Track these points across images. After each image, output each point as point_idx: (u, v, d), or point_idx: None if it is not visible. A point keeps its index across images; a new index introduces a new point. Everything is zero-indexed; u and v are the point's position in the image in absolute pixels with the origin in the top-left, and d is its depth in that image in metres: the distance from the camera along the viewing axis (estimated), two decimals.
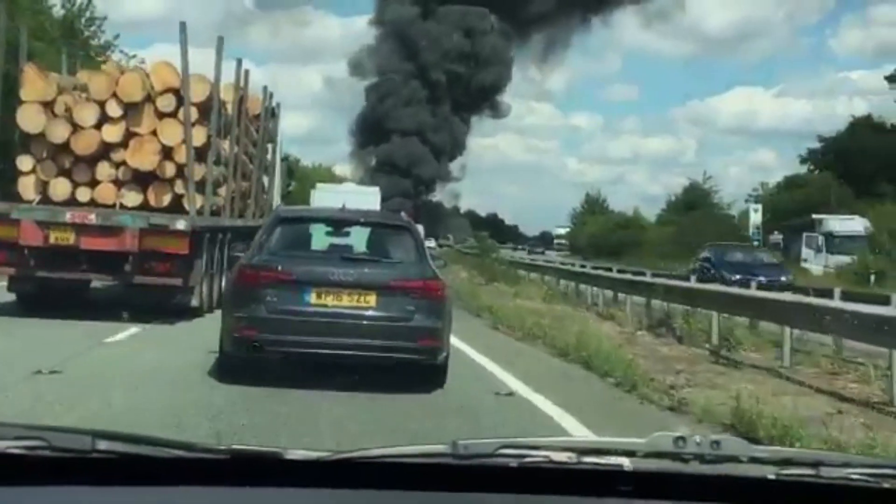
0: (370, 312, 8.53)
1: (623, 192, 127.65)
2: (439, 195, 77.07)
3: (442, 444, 1.69)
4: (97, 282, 14.07)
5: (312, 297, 8.50)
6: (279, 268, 8.60)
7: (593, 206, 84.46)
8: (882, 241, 33.98)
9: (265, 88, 17.11)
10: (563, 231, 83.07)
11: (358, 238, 9.89)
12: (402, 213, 12.47)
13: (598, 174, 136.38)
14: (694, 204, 66.10)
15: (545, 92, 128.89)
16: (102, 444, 1.57)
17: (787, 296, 13.13)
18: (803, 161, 67.17)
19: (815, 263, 40.59)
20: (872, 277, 29.40)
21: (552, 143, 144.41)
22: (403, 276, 8.74)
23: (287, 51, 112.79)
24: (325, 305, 8.48)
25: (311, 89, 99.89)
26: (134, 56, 31.90)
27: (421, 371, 8.61)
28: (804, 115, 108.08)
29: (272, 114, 17.98)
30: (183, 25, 13.03)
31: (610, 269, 24.51)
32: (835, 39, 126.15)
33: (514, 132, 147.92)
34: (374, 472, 1.68)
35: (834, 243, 41.39)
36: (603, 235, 65.64)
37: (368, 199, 26.40)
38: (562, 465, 1.70)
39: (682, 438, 1.69)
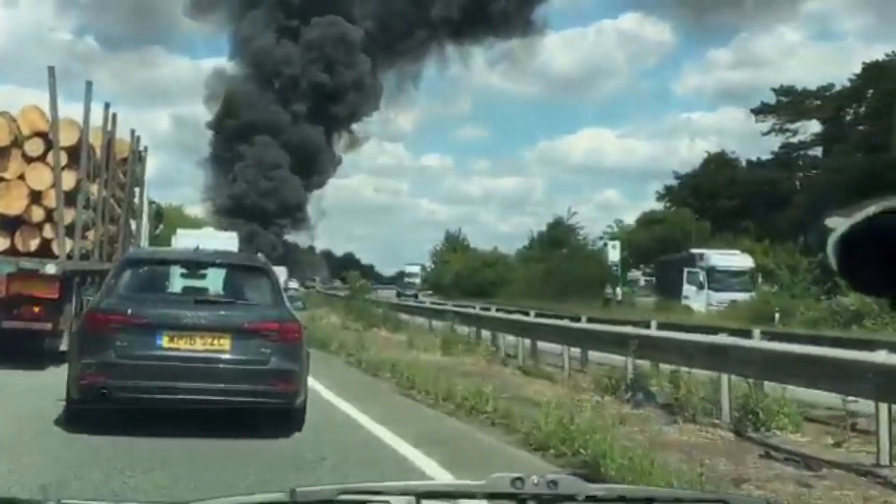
0: (225, 356, 8.33)
1: (474, 232, 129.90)
2: (293, 235, 76.42)
3: (280, 492, 1.65)
4: None
5: (165, 341, 8.29)
6: (129, 311, 8.36)
7: (453, 243, 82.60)
8: (782, 276, 32.64)
9: (133, 132, 17.26)
10: (415, 269, 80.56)
11: (213, 280, 9.74)
12: (260, 255, 12.67)
13: (449, 214, 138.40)
14: (559, 241, 66.84)
15: (397, 132, 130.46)
16: None
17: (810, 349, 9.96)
18: (660, 197, 68.45)
19: (697, 301, 38.93)
20: (777, 315, 27.94)
21: (403, 183, 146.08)
22: (259, 318, 8.56)
23: (134, 92, 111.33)
24: (178, 349, 8.28)
25: (158, 130, 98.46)
26: None
27: (278, 416, 8.45)
28: (648, 154, 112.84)
29: (139, 157, 18.10)
30: (52, 70, 13.19)
31: (523, 313, 21.39)
32: (676, 82, 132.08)
33: (366, 172, 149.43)
34: None
35: (716, 279, 39.95)
36: (468, 274, 65.60)
37: (227, 242, 26.71)
38: None
39: (521, 479, 1.69)
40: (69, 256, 13.22)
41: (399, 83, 78.04)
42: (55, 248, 13.14)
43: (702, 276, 40.59)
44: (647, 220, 65.52)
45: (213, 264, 9.74)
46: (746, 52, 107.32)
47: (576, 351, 15.12)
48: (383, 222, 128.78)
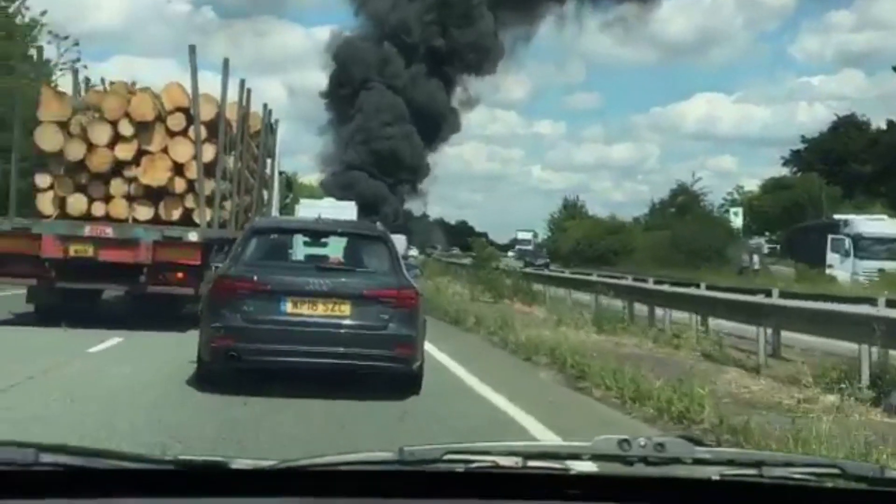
0: (345, 321, 8.61)
1: (587, 200, 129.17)
2: (408, 203, 75.55)
3: (388, 451, 1.68)
4: (109, 292, 14.93)
5: (288, 307, 8.60)
6: (255, 278, 8.69)
7: (572, 210, 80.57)
8: None
9: (265, 106, 18.04)
10: (527, 235, 77.64)
11: (334, 248, 10.22)
12: (378, 224, 13.08)
13: (561, 182, 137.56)
14: (683, 207, 64.79)
15: (509, 99, 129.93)
16: (46, 457, 1.57)
17: None
18: (786, 163, 66.14)
19: (842, 270, 36.21)
20: None
21: (516, 151, 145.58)
22: (378, 285, 8.81)
23: (249, 61, 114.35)
24: (301, 314, 8.58)
25: (271, 98, 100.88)
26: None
27: (395, 377, 8.67)
28: (764, 121, 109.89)
29: (271, 130, 18.90)
30: (192, 48, 13.99)
31: (688, 285, 18.49)
32: (794, 45, 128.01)
33: (478, 140, 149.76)
34: (321, 480, 1.68)
35: (863, 247, 37.10)
36: (589, 241, 63.50)
37: (347, 212, 27.63)
38: (508, 469, 1.71)
39: (627, 441, 1.70)
40: (209, 225, 14.04)
41: (511, 44, 76.46)
42: (196, 217, 13.99)
43: (847, 244, 37.77)
44: (774, 186, 63.43)
45: (334, 233, 10.24)
46: (868, 15, 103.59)
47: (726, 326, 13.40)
48: (493, 190, 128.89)
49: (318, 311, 8.65)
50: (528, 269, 35.22)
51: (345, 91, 69.17)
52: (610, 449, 1.71)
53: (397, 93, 67.55)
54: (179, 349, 10.30)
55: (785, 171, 65.67)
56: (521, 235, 79.60)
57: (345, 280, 8.89)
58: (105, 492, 1.58)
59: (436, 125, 71.23)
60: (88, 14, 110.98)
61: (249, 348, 8.47)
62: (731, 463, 1.79)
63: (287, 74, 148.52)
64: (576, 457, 1.77)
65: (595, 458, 1.75)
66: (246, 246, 9.26)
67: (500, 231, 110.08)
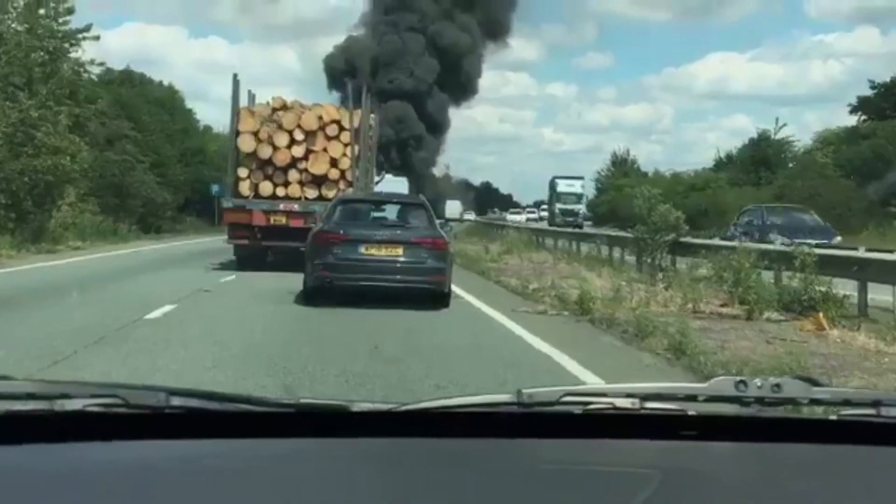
0: (400, 259, 13.11)
1: (601, 161, 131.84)
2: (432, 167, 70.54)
3: (506, 394, 1.76)
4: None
5: (363, 250, 13.13)
6: (341, 231, 13.38)
7: (623, 167, 71.71)
8: None
9: (373, 110, 24.83)
10: (575, 187, 63.83)
11: (391, 211, 14.93)
12: (420, 195, 18.32)
13: (574, 143, 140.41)
14: (766, 159, 58.90)
15: (521, 61, 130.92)
16: (176, 401, 1.68)
17: None
18: (854, 110, 58.60)
19: None
20: None
21: (528, 112, 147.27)
22: (419, 235, 13.37)
23: (260, 28, 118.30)
24: (372, 255, 13.08)
25: (284, 67, 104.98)
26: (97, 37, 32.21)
27: (432, 296, 12.95)
28: (778, 79, 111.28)
29: (373, 128, 25.75)
30: (235, 77, 21.63)
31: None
32: (808, 3, 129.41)
33: (490, 103, 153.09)
34: (440, 421, 1.76)
35: None
36: (667, 201, 53.44)
37: (400, 185, 36.71)
38: (625, 411, 1.76)
39: (744, 382, 1.75)
40: None
41: None
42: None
43: None
44: (850, 136, 55.60)
45: (391, 202, 15.46)
46: None
47: None
48: (505, 153, 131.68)
49: (381, 253, 13.22)
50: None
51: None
52: (726, 390, 1.76)
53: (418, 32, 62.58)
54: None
55: (852, 121, 58.31)
56: (565, 186, 63.58)
57: (398, 232, 13.65)
58: (232, 434, 1.69)
59: (462, 74, 66.10)
60: None
61: (339, 276, 13.03)
62: (847, 403, 1.83)
63: (298, 41, 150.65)
64: (692, 398, 1.80)
65: (711, 398, 1.78)
66: (334, 211, 14.34)
67: (525, 193, 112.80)
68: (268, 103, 22.32)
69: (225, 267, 20.56)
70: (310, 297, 13.33)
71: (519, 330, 11.36)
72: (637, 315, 11.61)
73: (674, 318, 11.37)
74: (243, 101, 21.90)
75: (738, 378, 1.78)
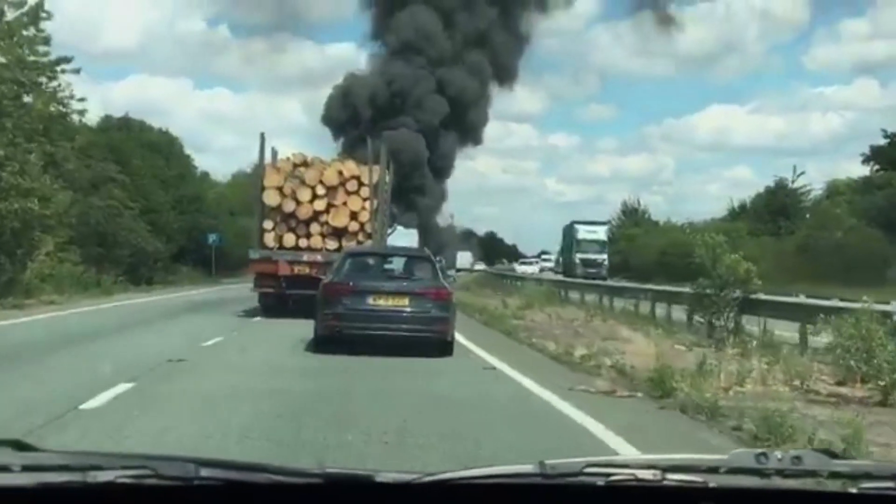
0: (406, 309, 14.09)
1: (603, 212, 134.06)
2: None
3: (529, 465, 1.84)
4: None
5: (371, 300, 14.08)
6: (350, 283, 14.44)
7: (633, 217, 73.14)
8: None
9: (389, 162, 26.36)
10: (596, 232, 59.33)
11: (398, 264, 16.10)
12: (425, 249, 20.23)
13: (576, 193, 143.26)
14: (782, 208, 58.95)
15: (524, 113, 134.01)
16: (205, 472, 1.75)
17: None
18: (866, 160, 59.27)
19: None
20: None
21: (530, 163, 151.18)
22: (424, 286, 14.44)
23: (265, 79, 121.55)
24: (379, 305, 14.06)
25: (290, 116, 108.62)
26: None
27: (436, 345, 13.89)
28: (779, 131, 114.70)
29: (389, 179, 27.32)
30: (262, 135, 24.04)
31: None
32: (807, 56, 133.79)
33: (492, 154, 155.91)
34: (463, 492, 1.82)
35: None
36: (677, 251, 51.02)
37: (410, 238, 38.50)
38: (647, 482, 1.82)
39: (764, 454, 1.81)
40: None
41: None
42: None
43: None
44: (864, 185, 56.47)
45: (397, 255, 16.96)
46: (883, 23, 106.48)
47: None
48: (508, 203, 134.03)
49: (389, 303, 14.18)
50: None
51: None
52: (746, 462, 1.82)
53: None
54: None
55: (857, 171, 59.74)
56: (586, 233, 58.53)
57: (404, 283, 14.74)
58: (260, 503, 1.75)
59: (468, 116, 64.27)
60: (100, 35, 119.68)
61: (348, 326, 13.97)
62: (867, 476, 1.85)
63: (303, 91, 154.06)
64: (713, 470, 1.85)
65: (731, 471, 1.84)
66: (343, 263, 15.50)
67: (529, 243, 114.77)
68: (288, 159, 23.69)
69: (215, 325, 19.35)
70: (320, 345, 14.31)
71: (591, 423, 8.83)
72: (738, 399, 9.93)
73: (787, 404, 9.10)
74: (267, 157, 23.28)
75: (759, 451, 1.86)
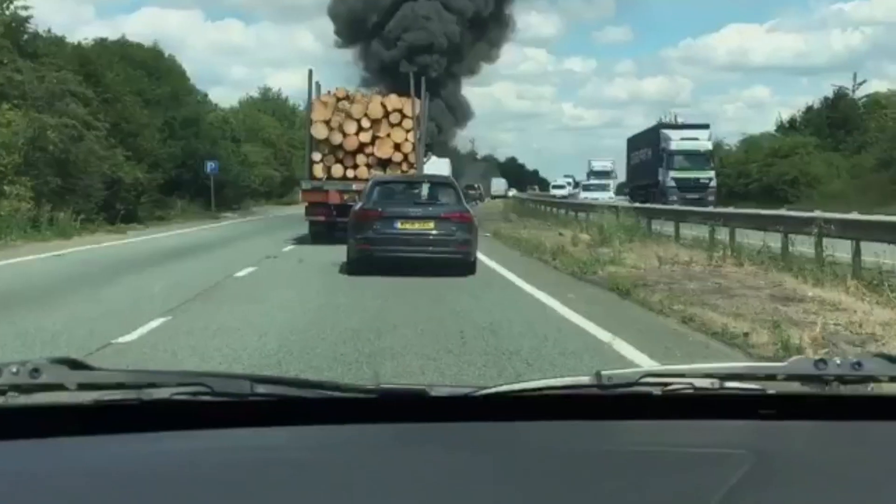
0: (431, 232, 15.58)
1: (620, 135, 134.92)
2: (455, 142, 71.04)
3: (585, 376, 1.87)
4: None
5: (399, 224, 15.54)
6: (379, 209, 15.86)
7: None
8: None
9: (426, 97, 27.79)
10: (702, 142, 43.98)
11: (423, 190, 17.22)
12: (449, 175, 22.09)
13: (594, 118, 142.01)
14: (845, 120, 53.85)
15: (539, 37, 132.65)
16: (261, 388, 1.80)
17: None
18: None
19: None
20: None
21: (546, 88, 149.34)
22: (448, 210, 15.88)
23: (276, 9, 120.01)
24: (407, 229, 15.53)
25: (302, 46, 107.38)
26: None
27: (460, 264, 15.72)
28: (797, 49, 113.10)
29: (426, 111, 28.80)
30: (310, 72, 26.24)
31: None
32: None
33: (508, 80, 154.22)
34: (519, 405, 1.87)
35: None
36: (754, 170, 50.00)
37: (442, 167, 40.39)
38: (704, 391, 1.85)
39: (823, 360, 1.84)
40: None
41: None
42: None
43: None
44: None
45: (422, 182, 17.89)
46: None
47: None
48: (524, 130, 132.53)
49: (415, 227, 15.68)
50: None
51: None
52: (805, 369, 1.85)
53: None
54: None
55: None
56: (682, 142, 43.62)
57: (430, 208, 16.18)
58: (314, 420, 1.78)
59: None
60: None
61: (378, 249, 15.59)
62: None
63: (315, 20, 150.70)
64: (771, 377, 1.89)
65: (790, 377, 1.87)
66: (372, 191, 16.86)
67: (550, 168, 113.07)
68: (329, 92, 24.97)
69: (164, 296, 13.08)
70: (353, 266, 15.92)
71: None
72: None
73: None
74: (311, 94, 24.53)
75: (818, 358, 1.89)
